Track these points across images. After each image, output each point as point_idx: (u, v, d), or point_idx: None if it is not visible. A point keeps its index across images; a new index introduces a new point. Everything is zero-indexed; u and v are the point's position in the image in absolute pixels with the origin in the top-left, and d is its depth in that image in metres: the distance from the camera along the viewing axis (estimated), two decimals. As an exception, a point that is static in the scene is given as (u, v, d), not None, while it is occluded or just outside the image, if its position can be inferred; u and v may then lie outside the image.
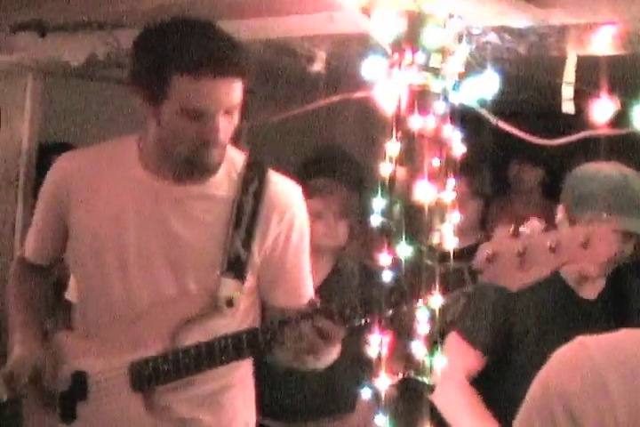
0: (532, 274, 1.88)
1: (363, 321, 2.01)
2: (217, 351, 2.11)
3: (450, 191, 2.08)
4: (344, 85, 2.69)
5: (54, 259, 2.43)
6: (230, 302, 2.17)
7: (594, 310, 2.63)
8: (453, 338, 2.59)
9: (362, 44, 2.54)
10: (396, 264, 2.14)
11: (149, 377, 2.14)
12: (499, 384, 2.63)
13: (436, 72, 2.08)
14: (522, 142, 2.43)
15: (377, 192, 2.08)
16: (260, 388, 2.44)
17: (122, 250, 2.20)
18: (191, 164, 2.15)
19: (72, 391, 2.23)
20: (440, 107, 2.07)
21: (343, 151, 3.29)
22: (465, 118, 2.13)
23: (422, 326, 2.12)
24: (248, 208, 2.20)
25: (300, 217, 2.27)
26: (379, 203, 2.11)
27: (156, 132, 2.16)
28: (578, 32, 2.48)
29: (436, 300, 1.97)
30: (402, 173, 2.07)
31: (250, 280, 2.22)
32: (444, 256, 2.12)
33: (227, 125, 2.08)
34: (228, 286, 2.17)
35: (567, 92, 2.48)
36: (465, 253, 1.96)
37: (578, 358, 1.28)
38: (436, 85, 2.08)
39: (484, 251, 1.89)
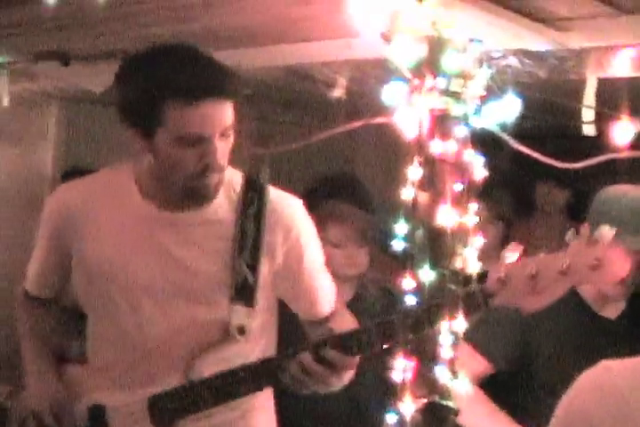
0: (545, 297, 1.88)
1: (381, 347, 2.00)
2: (235, 384, 2.09)
3: (472, 215, 2.08)
4: (364, 111, 2.70)
5: (56, 291, 2.40)
6: (242, 330, 2.16)
7: (613, 329, 2.64)
8: (463, 347, 2.60)
9: (382, 70, 2.55)
10: (418, 289, 2.14)
11: (170, 411, 2.13)
12: (511, 397, 2.63)
13: (456, 96, 2.08)
14: (548, 164, 2.43)
15: (399, 217, 2.08)
16: (285, 413, 2.43)
17: (128, 281, 2.18)
18: (191, 191, 2.12)
19: (91, 426, 2.21)
20: (461, 131, 2.07)
21: (353, 175, 3.28)
22: (485, 142, 2.14)
23: (446, 350, 2.11)
24: (251, 229, 2.17)
25: (305, 229, 2.25)
26: (401, 228, 2.11)
27: (152, 164, 2.13)
28: (597, 55, 2.48)
29: (460, 324, 1.96)
30: (424, 197, 2.07)
31: (260, 303, 2.20)
32: (466, 280, 2.12)
33: (224, 148, 2.06)
34: (239, 314, 2.16)
35: (587, 114, 2.49)
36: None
37: (602, 383, 1.28)
38: (456, 110, 2.08)
39: (496, 273, 1.90)
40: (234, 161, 2.27)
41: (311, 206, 2.35)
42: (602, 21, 2.40)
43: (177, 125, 2.00)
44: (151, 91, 1.99)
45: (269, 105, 4.00)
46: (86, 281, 2.26)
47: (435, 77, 2.07)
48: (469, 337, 2.61)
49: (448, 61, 2.08)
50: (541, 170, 2.46)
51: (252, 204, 2.20)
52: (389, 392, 2.27)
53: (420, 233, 2.07)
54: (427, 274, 2.12)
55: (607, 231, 1.85)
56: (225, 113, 2.03)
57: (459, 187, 2.05)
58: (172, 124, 1.99)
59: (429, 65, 2.08)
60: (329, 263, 2.37)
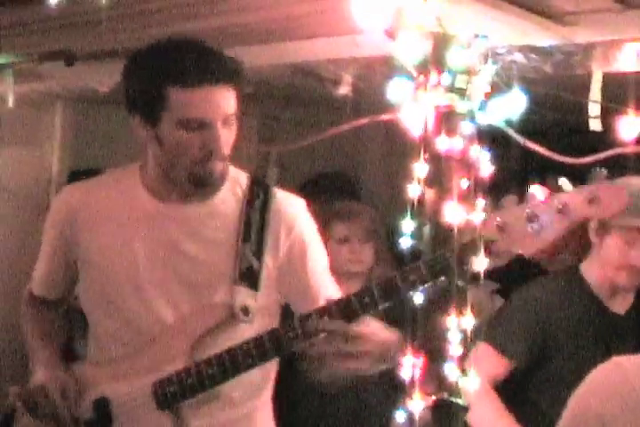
0: (544, 237, 1.88)
1: (383, 305, 2.00)
2: (240, 357, 2.10)
3: (479, 212, 2.08)
4: (370, 108, 2.70)
5: (62, 292, 2.43)
6: (246, 311, 2.17)
7: (622, 324, 2.65)
8: (481, 346, 2.60)
9: (387, 67, 2.55)
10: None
11: (174, 393, 2.14)
12: (524, 392, 2.64)
13: (462, 93, 2.08)
14: (555, 160, 2.43)
15: (405, 214, 2.08)
16: (294, 411, 2.43)
17: (135, 275, 2.22)
18: (195, 180, 2.16)
19: (97, 419, 2.22)
20: (467, 127, 2.07)
21: (345, 173, 3.26)
22: (492, 138, 2.13)
23: (454, 347, 2.11)
24: (256, 223, 2.22)
25: (308, 228, 2.30)
26: (408, 225, 2.10)
27: (158, 154, 2.18)
28: (603, 50, 2.48)
29: (468, 321, 1.96)
30: (430, 194, 2.07)
31: (264, 291, 2.22)
32: (474, 277, 2.11)
33: (227, 136, 2.12)
34: (243, 295, 2.18)
35: (594, 109, 2.48)
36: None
37: (614, 379, 1.28)
38: (462, 106, 2.08)
39: (493, 221, 1.90)
40: (240, 159, 2.28)
41: (312, 203, 2.36)
42: (608, 16, 2.39)
43: (179, 109, 2.08)
44: (155, 77, 2.09)
45: (274, 103, 4.00)
46: (93, 279, 2.29)
47: (440, 74, 2.07)
48: (487, 337, 2.62)
49: (453, 58, 2.07)
50: (548, 165, 2.45)
51: (257, 199, 2.25)
52: (397, 392, 2.27)
53: (426, 230, 2.07)
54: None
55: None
56: (226, 99, 2.10)
57: (465, 183, 2.04)
58: (174, 108, 2.08)
59: (434, 61, 2.07)
60: (334, 260, 2.37)
